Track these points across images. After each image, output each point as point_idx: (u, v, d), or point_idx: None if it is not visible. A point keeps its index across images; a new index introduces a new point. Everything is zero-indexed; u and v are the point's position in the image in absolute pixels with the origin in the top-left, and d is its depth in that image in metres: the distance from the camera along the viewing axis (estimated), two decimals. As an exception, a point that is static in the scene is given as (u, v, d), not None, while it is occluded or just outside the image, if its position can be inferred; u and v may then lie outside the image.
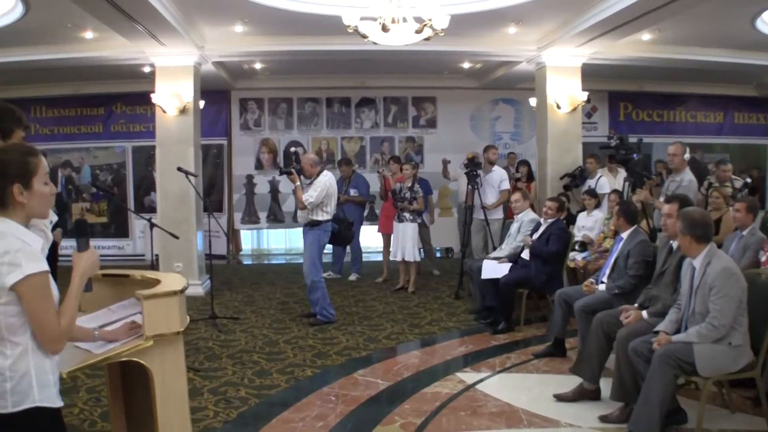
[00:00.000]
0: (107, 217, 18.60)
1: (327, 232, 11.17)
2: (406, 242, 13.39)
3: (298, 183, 10.96)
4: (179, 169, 11.19)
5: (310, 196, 10.82)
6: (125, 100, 18.19)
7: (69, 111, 18.45)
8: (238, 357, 9.31)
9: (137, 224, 18.20)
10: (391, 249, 14.25)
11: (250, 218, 19.01)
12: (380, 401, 7.66)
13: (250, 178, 18.88)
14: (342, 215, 12.12)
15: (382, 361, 9.23)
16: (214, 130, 18.29)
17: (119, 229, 18.60)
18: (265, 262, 19.39)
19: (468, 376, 8.41)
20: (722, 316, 6.01)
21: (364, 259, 16.04)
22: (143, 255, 17.27)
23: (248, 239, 20.29)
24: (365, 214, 16.67)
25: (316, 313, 11.21)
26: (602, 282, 8.74)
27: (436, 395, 7.76)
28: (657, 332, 6.46)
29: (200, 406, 7.37)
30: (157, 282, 5.03)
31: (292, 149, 16.97)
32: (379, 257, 16.12)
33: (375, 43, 9.57)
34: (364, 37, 9.32)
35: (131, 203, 18.28)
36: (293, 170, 11.05)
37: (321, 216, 11.02)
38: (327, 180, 11.07)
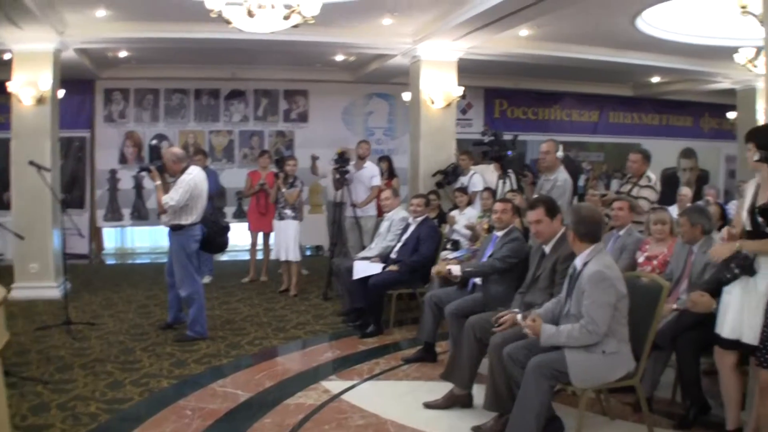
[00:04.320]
0: (-36, 214, 17.69)
1: (193, 237, 10.11)
2: (288, 241, 12.95)
3: (159, 182, 9.94)
4: (31, 163, 10.55)
5: (170, 198, 9.73)
6: (-17, 89, 17.32)
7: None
8: (91, 367, 8.70)
9: (-4, 220, 17.32)
10: (272, 248, 13.86)
11: (114, 215, 18.34)
12: (239, 415, 7.19)
13: (113, 172, 18.20)
14: (215, 218, 10.98)
15: (243, 370, 8.74)
16: (77, 122, 17.67)
17: (-24, 227, 17.73)
18: (129, 261, 18.83)
19: (334, 385, 8.02)
20: (594, 323, 5.72)
21: (233, 258, 15.73)
22: (2, 254, 16.47)
23: (112, 237, 19.63)
24: (234, 211, 16.75)
25: (172, 323, 10.56)
26: (474, 283, 8.56)
27: (300, 407, 7.34)
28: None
29: (46, 423, 6.82)
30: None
31: (153, 142, 15.98)
32: (246, 256, 15.73)
33: (240, 30, 9.18)
34: (228, 23, 8.95)
35: (-11, 199, 17.48)
36: (152, 167, 10.04)
37: (185, 219, 9.94)
38: (192, 178, 9.92)
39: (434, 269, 8.85)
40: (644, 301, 6.21)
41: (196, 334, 10.02)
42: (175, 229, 10.03)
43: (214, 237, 10.44)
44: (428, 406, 7.21)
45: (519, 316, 6.73)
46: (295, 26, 9.21)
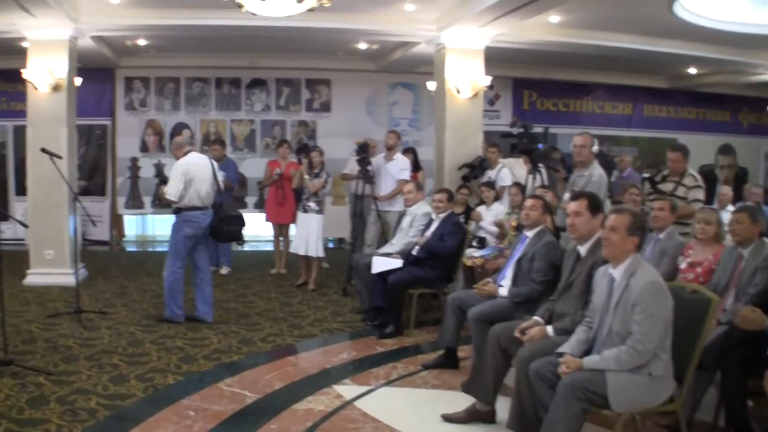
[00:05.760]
0: (-15, 200, 17.75)
1: (190, 223, 10.04)
2: (309, 236, 12.60)
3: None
4: (43, 150, 10.30)
5: (167, 192, 9.92)
6: (6, 77, 17.22)
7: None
8: (96, 359, 8.39)
9: (18, 207, 17.26)
10: (293, 241, 13.46)
11: (135, 203, 18.38)
12: (244, 418, 6.80)
13: (134, 160, 18.23)
14: (224, 207, 10.69)
15: (253, 368, 8.36)
16: (98, 110, 17.79)
17: (-2, 212, 17.68)
18: (150, 249, 18.76)
19: (347, 390, 7.60)
20: (647, 339, 5.13)
21: (253, 249, 15.70)
22: (23, 239, 16.25)
23: (133, 225, 19.66)
24: (255, 201, 17.01)
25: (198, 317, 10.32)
26: (500, 285, 7.92)
27: (309, 413, 6.93)
28: (561, 354, 5.58)
29: (43, 417, 6.51)
30: None
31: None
32: (269, 247, 15.66)
33: (254, 15, 8.85)
34: (240, 6, 8.68)
35: (12, 185, 17.74)
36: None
37: (182, 203, 10.04)
38: (184, 164, 10.04)
39: (484, 289, 8.08)
40: (689, 316, 5.59)
41: (171, 316, 10.12)
42: (175, 213, 10.15)
43: (220, 225, 10.32)
44: (447, 419, 6.74)
45: (549, 328, 6.28)
46: (311, 10, 9.00)
